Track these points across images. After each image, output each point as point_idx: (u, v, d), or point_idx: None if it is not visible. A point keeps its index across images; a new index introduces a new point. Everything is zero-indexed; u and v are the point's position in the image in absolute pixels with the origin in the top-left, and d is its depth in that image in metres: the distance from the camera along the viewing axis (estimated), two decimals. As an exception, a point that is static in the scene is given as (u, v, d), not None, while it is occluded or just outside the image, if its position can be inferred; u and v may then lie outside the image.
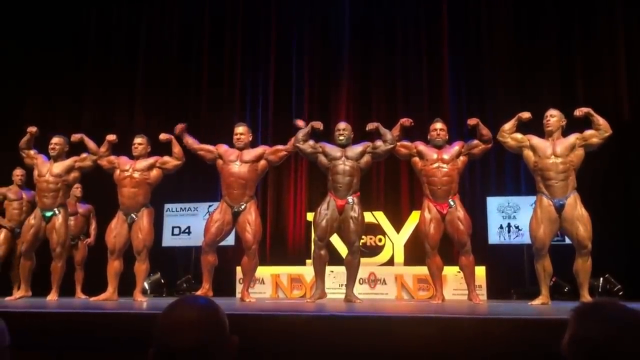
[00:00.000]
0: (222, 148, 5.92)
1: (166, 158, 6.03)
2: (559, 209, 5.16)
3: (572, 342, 1.32)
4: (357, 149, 5.69)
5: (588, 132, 5.28)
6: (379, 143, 5.68)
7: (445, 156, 5.59)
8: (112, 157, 6.07)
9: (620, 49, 7.71)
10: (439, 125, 5.73)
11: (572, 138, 5.27)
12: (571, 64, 7.93)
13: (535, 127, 5.49)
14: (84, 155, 6.18)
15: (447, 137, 5.74)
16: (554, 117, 5.32)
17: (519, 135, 5.43)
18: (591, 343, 1.28)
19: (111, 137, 6.10)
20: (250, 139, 5.95)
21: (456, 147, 5.67)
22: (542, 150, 5.26)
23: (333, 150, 5.70)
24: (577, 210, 5.12)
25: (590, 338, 1.28)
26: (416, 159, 5.70)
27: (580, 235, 5.07)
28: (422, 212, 5.64)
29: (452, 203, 5.54)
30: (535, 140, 5.36)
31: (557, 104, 7.41)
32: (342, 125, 5.86)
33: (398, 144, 5.69)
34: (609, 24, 7.87)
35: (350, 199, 5.59)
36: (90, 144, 6.14)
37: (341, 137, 5.70)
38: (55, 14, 9.10)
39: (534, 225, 5.26)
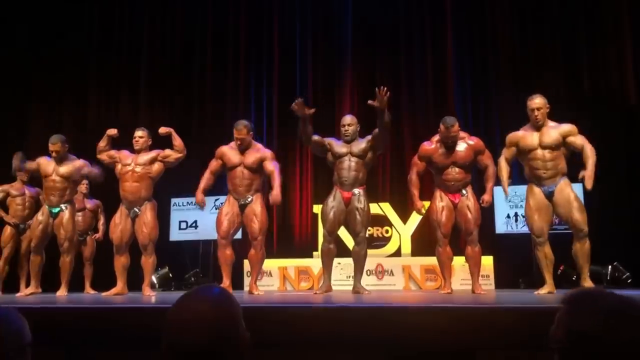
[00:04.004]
0: (223, 151, 5.83)
1: (167, 151, 6.00)
2: (549, 196, 5.16)
3: (566, 335, 1.30)
4: (361, 144, 5.63)
5: (577, 142, 5.13)
6: (375, 132, 5.60)
7: (459, 157, 5.49)
8: (113, 152, 6.03)
9: (627, 32, 7.64)
10: (456, 125, 5.46)
11: (557, 134, 5.14)
12: (576, 50, 7.87)
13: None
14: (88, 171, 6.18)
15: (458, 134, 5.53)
16: (540, 110, 5.17)
17: (510, 152, 5.35)
18: (587, 335, 1.26)
19: (112, 132, 6.05)
20: (252, 136, 5.82)
21: (470, 142, 5.55)
22: (529, 145, 5.21)
23: (339, 147, 5.67)
24: (567, 195, 5.09)
25: (586, 330, 1.26)
26: (430, 167, 5.66)
27: (575, 219, 5.05)
28: (434, 201, 5.60)
29: (464, 192, 5.52)
30: (520, 138, 5.26)
31: (563, 92, 7.42)
32: (347, 119, 5.76)
33: (414, 179, 5.62)
34: (614, 9, 7.81)
35: (356, 190, 5.59)
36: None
37: (347, 135, 5.65)
38: (57, 13, 9.10)
39: (528, 214, 5.26)
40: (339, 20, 8.86)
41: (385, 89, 5.29)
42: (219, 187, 7.37)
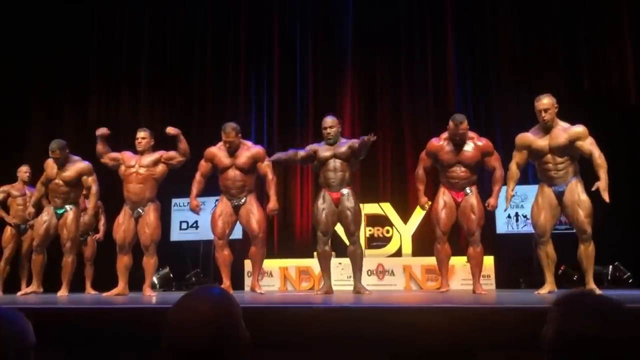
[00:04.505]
0: (213, 153, 5.81)
1: (172, 153, 5.96)
2: (559, 196, 5.14)
3: (557, 337, 1.30)
4: (343, 147, 5.63)
5: (584, 147, 5.08)
6: (355, 145, 5.58)
7: (465, 157, 5.48)
8: (115, 154, 6.01)
9: (627, 32, 7.64)
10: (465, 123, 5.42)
11: (566, 139, 5.08)
12: (577, 49, 7.86)
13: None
14: (88, 183, 6.14)
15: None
16: (548, 111, 5.09)
17: (522, 156, 5.30)
18: (578, 336, 1.27)
19: (100, 131, 5.98)
20: (239, 137, 5.77)
21: (479, 143, 5.52)
22: (539, 149, 5.18)
23: (323, 151, 5.68)
24: (576, 196, 5.05)
25: (576, 331, 1.27)
26: (436, 164, 5.67)
27: (579, 220, 5.02)
28: (437, 197, 5.60)
29: (468, 191, 5.51)
30: (531, 142, 5.22)
31: (563, 92, 7.41)
32: (328, 122, 5.69)
33: (420, 174, 5.66)
34: (614, 9, 7.80)
35: (344, 190, 5.61)
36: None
37: (329, 138, 5.65)
38: (57, 14, 9.11)
39: (534, 212, 5.24)
40: (339, 20, 8.86)
41: (373, 134, 5.40)
42: (218, 187, 7.39)
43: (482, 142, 5.53)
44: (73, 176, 6.09)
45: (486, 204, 5.49)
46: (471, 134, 5.54)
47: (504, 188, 5.53)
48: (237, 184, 5.71)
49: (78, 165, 6.13)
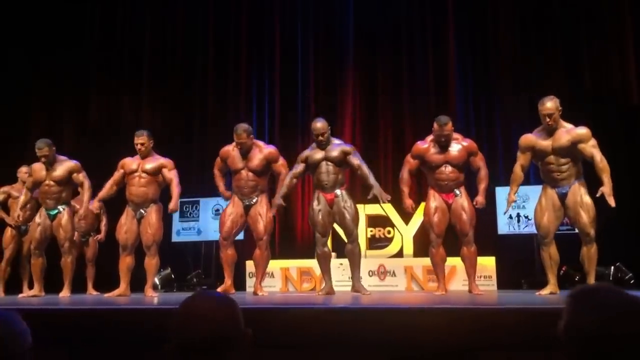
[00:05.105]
0: (227, 153, 5.88)
1: (168, 175, 5.95)
2: (562, 197, 5.14)
3: (567, 330, 1.31)
4: (335, 152, 5.63)
5: (586, 150, 5.08)
6: (354, 163, 5.62)
7: (452, 157, 5.53)
8: (115, 178, 6.02)
9: (629, 32, 7.63)
10: (448, 125, 5.49)
11: (569, 141, 5.09)
12: (578, 49, 7.85)
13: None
14: (80, 179, 6.17)
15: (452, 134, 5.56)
16: (552, 116, 5.07)
17: (526, 158, 5.31)
18: (585, 330, 1.27)
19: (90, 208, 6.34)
20: (252, 138, 5.83)
21: (464, 143, 5.57)
22: (543, 150, 5.19)
23: (314, 154, 5.69)
24: (579, 198, 5.05)
25: (584, 325, 1.27)
26: (423, 167, 5.71)
27: (582, 222, 5.02)
28: (427, 201, 5.64)
29: (457, 192, 5.54)
30: (535, 144, 5.23)
31: (565, 91, 7.40)
32: (319, 128, 5.65)
33: (405, 177, 5.71)
34: (615, 9, 7.79)
35: (338, 191, 5.62)
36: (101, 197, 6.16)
37: (322, 143, 5.66)
38: (58, 14, 9.10)
39: (538, 213, 5.26)
40: (340, 20, 8.86)
41: (388, 199, 5.53)
42: (210, 189, 7.38)
43: (467, 142, 5.62)
44: (63, 175, 6.10)
45: (474, 203, 5.52)
46: (455, 135, 5.62)
47: (504, 190, 5.53)
48: (249, 184, 5.77)
49: (66, 164, 6.15)
